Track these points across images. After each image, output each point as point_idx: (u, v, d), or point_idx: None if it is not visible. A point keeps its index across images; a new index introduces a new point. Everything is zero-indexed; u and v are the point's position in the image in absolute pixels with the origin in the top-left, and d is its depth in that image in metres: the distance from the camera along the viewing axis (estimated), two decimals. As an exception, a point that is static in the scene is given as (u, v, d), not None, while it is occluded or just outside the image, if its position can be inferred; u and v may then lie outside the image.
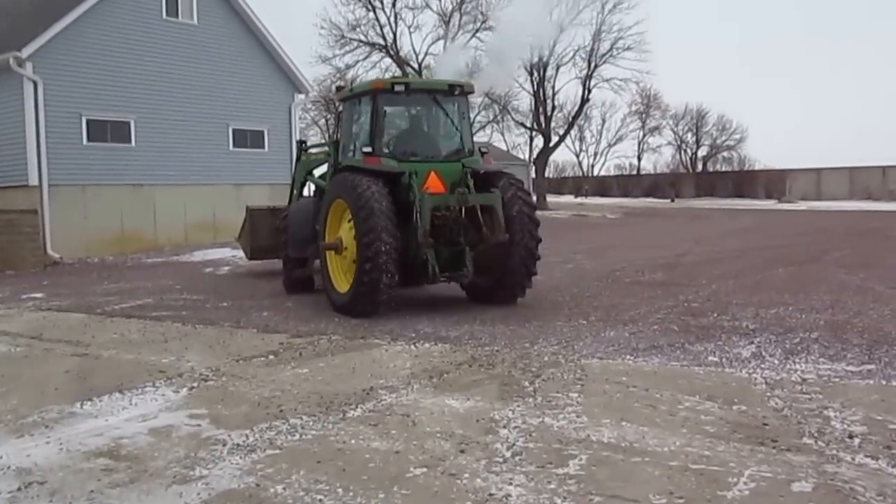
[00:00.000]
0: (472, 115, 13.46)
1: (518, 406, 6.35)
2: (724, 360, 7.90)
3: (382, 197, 10.95)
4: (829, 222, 35.31)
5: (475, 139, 13.42)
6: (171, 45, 23.78)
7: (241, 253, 18.91)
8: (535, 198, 53.53)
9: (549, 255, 19.72)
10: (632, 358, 8.06)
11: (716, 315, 10.45)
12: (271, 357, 8.51)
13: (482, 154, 12.43)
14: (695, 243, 23.01)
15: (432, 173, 11.67)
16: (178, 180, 23.99)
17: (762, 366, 7.60)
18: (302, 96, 27.66)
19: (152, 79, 23.22)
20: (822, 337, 8.89)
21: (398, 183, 11.43)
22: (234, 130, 25.57)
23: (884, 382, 6.94)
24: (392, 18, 45.78)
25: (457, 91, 12.48)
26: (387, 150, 12.02)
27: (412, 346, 8.83)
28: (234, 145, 25.64)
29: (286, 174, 26.56)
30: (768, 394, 6.56)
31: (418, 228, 10.87)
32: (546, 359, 8.04)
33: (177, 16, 23.95)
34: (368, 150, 11.70)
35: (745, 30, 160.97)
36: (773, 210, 52.26)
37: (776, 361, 7.77)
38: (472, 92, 12.99)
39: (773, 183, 72.88)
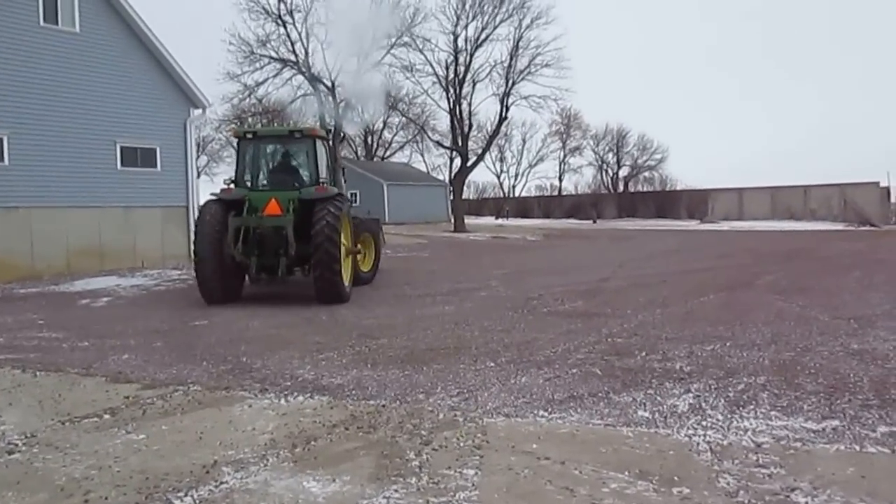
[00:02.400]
0: (320, 151, 16.53)
1: (396, 490, 4.89)
2: (656, 415, 6.54)
3: (213, 218, 14.83)
4: (754, 243, 34.81)
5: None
6: (50, 55, 21.60)
7: (126, 282, 19.21)
8: (452, 221, 52.46)
9: (462, 281, 18.46)
10: (545, 414, 6.63)
11: (644, 354, 9.10)
12: (107, 417, 6.89)
13: (322, 184, 15.60)
14: (618, 267, 21.89)
15: (272, 200, 15.06)
16: (58, 202, 21.82)
17: (704, 423, 6.26)
18: (199, 111, 25.59)
19: (29, 91, 21.02)
20: (770, 382, 7.59)
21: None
22: (122, 148, 23.41)
23: (857, 448, 5.62)
24: (304, 34, 44.21)
25: (297, 135, 16.28)
26: (248, 182, 16.00)
27: (282, 401, 7.27)
28: (123, 164, 23.46)
29: (181, 195, 24.70)
30: (716, 468, 5.19)
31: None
32: (441, 417, 6.55)
33: (56, 23, 21.78)
34: (228, 181, 15.79)
35: (665, 50, 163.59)
36: (696, 230, 52.02)
37: (720, 417, 6.44)
38: (315, 135, 16.38)
39: (696, 203, 73.12)
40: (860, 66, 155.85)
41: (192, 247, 14.99)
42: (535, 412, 6.67)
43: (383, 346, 9.91)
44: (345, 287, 14.93)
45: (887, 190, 64.56)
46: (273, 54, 44.10)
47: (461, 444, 5.79)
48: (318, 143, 16.37)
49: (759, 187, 71.88)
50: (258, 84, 44.29)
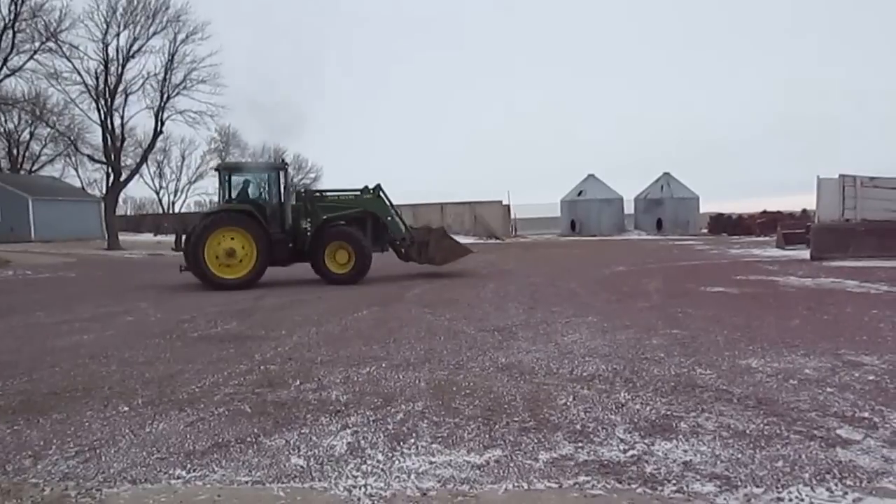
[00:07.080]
0: (235, 179, 21.30)
1: None
2: (312, 461, 5.40)
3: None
4: (400, 256, 35.15)
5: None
6: None
7: None
8: (107, 238, 48.31)
9: (108, 303, 16.20)
10: (183, 473, 5.21)
11: (299, 382, 7.95)
12: None
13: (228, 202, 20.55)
14: (274, 285, 20.64)
15: None
16: None
17: (364, 468, 5.25)
18: None
19: None
20: (428, 408, 6.77)
21: None
22: None
23: (525, 486, 4.88)
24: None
25: (222, 167, 22.63)
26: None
27: None
28: None
29: None
30: (380, 532, 4.21)
31: None
32: (48, 492, 4.86)
33: None
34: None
35: (317, 77, 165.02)
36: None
37: (381, 457, 5.46)
38: (220, 168, 22.49)
39: (348, 219, 73.83)
40: (498, 100, 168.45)
41: None
42: (171, 471, 5.23)
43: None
44: (212, 274, 19.15)
45: (508, 207, 70.39)
46: None
47: (67, 533, 4.27)
48: (227, 173, 21.06)
49: (405, 204, 74.21)
50: None
